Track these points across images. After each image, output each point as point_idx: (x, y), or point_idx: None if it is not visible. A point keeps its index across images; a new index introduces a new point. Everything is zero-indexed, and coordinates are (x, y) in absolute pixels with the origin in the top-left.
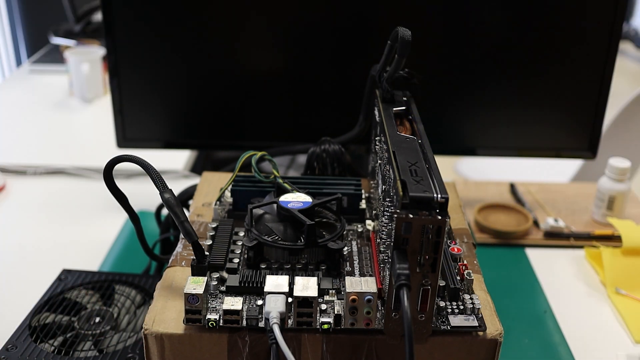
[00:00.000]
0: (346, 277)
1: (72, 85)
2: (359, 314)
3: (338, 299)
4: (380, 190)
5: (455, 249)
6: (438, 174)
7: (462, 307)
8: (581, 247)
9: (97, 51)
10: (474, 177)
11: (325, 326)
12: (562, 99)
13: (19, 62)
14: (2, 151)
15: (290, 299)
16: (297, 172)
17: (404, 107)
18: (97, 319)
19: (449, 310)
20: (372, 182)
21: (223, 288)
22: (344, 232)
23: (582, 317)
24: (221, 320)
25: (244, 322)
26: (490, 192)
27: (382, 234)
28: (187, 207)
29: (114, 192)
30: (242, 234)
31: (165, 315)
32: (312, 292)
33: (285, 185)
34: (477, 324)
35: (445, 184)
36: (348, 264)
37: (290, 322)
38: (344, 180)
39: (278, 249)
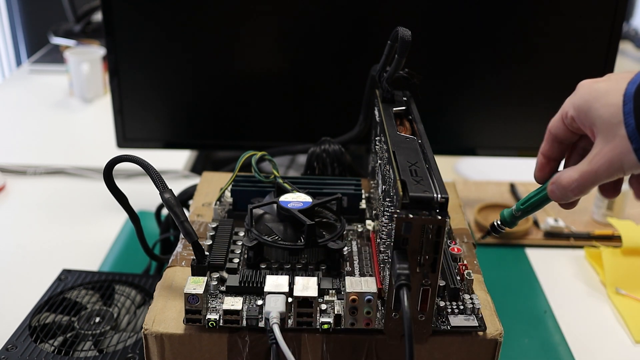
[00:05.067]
0: (346, 277)
1: (72, 85)
2: (359, 314)
3: (338, 299)
4: (380, 190)
5: (455, 249)
6: (438, 174)
7: (462, 307)
8: (581, 247)
9: (97, 51)
10: (474, 177)
11: (325, 326)
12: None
13: (19, 62)
14: (2, 151)
15: (290, 299)
16: (297, 172)
17: (404, 107)
18: (97, 319)
19: (449, 310)
20: (372, 182)
21: (223, 288)
22: (344, 232)
23: (582, 317)
24: (221, 320)
25: (244, 322)
26: (490, 192)
27: (382, 234)
28: (187, 207)
29: (114, 192)
30: (242, 234)
31: (165, 315)
32: (312, 292)
33: (285, 185)
34: (477, 324)
35: (445, 184)
36: (348, 264)
37: (290, 322)
38: (344, 180)
39: (278, 249)
